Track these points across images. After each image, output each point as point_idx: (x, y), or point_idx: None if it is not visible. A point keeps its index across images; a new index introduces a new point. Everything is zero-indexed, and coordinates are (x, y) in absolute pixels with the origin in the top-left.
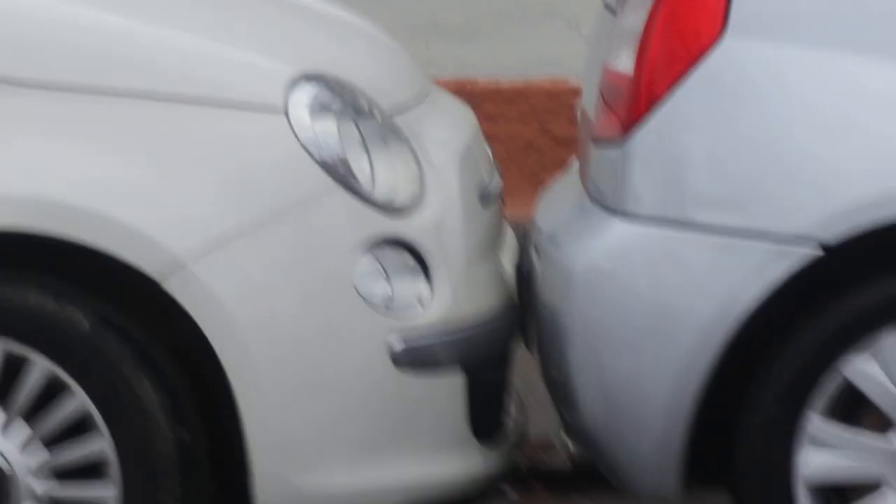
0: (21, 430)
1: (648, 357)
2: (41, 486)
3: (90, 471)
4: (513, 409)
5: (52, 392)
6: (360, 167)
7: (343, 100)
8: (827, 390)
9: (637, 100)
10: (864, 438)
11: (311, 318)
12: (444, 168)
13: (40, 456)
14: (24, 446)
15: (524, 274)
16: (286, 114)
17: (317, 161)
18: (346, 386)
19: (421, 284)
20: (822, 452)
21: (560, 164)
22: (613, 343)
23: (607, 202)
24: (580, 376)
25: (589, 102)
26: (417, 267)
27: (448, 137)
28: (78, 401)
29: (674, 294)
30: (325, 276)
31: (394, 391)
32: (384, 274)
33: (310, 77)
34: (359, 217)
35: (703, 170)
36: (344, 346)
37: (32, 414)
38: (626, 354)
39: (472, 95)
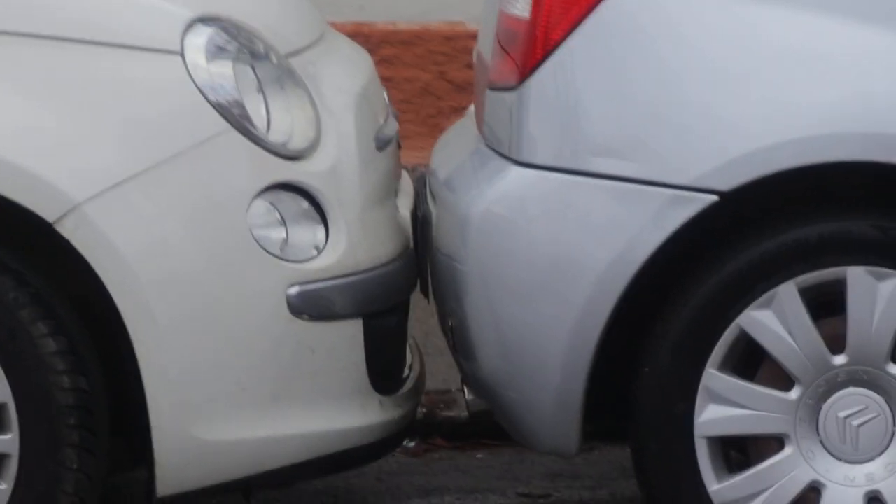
0: None
1: (546, 306)
2: None
3: None
4: (410, 357)
5: None
6: (255, 110)
7: (239, 42)
8: (724, 342)
9: (533, 44)
10: (764, 393)
11: (207, 263)
12: (340, 112)
13: None
14: None
15: (420, 219)
16: (182, 56)
17: (212, 104)
18: (243, 333)
19: (317, 229)
20: (721, 407)
21: (457, 109)
22: (510, 291)
23: (503, 148)
24: (477, 325)
25: (486, 47)
26: (313, 212)
27: (345, 81)
28: None
29: (571, 242)
30: (221, 221)
31: (291, 339)
32: (280, 219)
33: (206, 19)
34: (254, 161)
35: (598, 117)
36: (240, 292)
37: None
38: (523, 303)
39: (369, 38)
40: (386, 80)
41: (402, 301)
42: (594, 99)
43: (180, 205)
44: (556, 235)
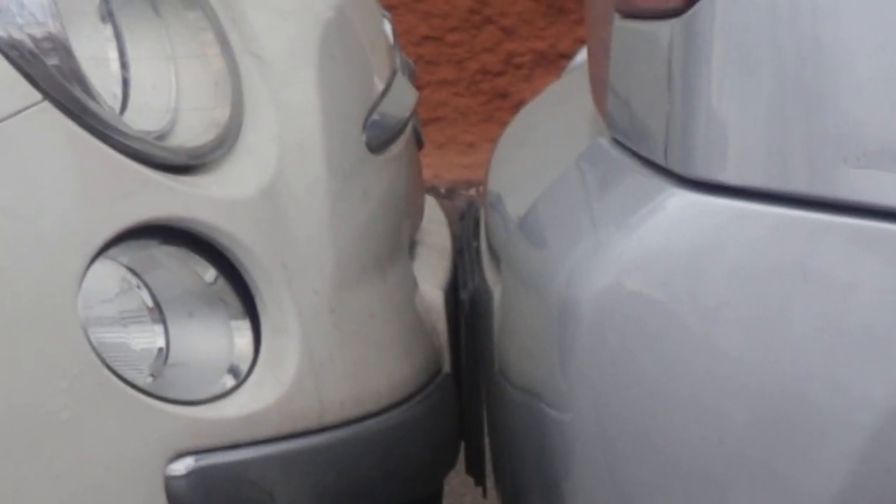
0: None
1: (750, 500)
2: None
3: None
4: None
5: None
6: (97, 61)
7: None
8: None
9: None
10: None
11: None
12: (287, 66)
13: None
14: None
15: (468, 308)
16: None
17: (0, 46)
18: None
19: (234, 331)
20: None
21: (545, 59)
22: (669, 475)
23: (653, 148)
24: None
25: None
26: (226, 290)
27: None
28: None
29: (808, 361)
30: (14, 310)
31: None
32: (151, 305)
33: None
34: (93, 171)
35: (871, 75)
36: (57, 471)
37: None
38: (697, 494)
39: None
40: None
41: (425, 494)
42: (862, 37)
43: None
44: (775, 346)
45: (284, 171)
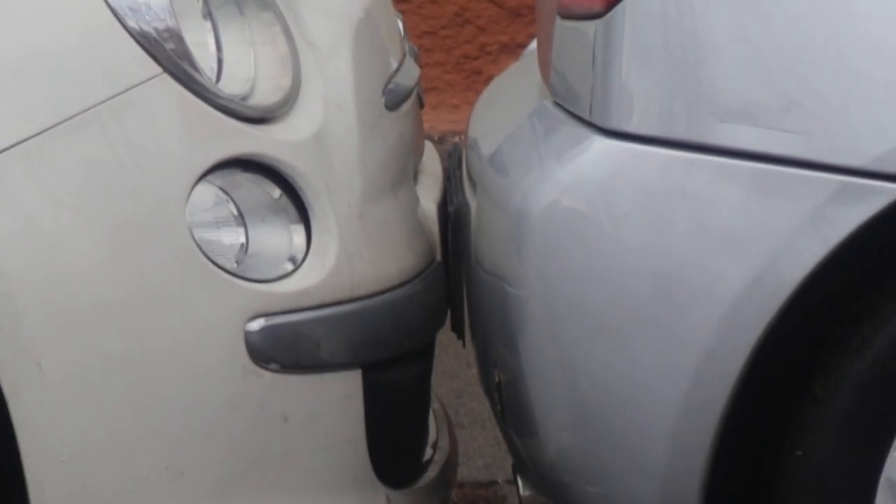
0: None
1: (647, 351)
2: None
3: None
4: (435, 430)
5: None
6: (200, 45)
7: None
8: None
9: None
10: None
11: (122, 284)
12: (330, 48)
13: None
14: None
15: (453, 218)
16: None
17: (134, 34)
18: (177, 392)
19: (293, 232)
20: None
21: (508, 48)
22: (591, 328)
23: (581, 108)
24: (539, 381)
25: None
26: (288, 204)
27: (338, 2)
28: None
29: (686, 253)
30: (143, 215)
31: (251, 401)
32: (236, 214)
33: None
34: (197, 124)
35: (731, 62)
36: (172, 327)
37: None
38: (611, 348)
39: None
40: (403, 2)
41: (422, 344)
42: (722, 32)
43: (81, 193)
44: (662, 243)
45: (328, 122)
